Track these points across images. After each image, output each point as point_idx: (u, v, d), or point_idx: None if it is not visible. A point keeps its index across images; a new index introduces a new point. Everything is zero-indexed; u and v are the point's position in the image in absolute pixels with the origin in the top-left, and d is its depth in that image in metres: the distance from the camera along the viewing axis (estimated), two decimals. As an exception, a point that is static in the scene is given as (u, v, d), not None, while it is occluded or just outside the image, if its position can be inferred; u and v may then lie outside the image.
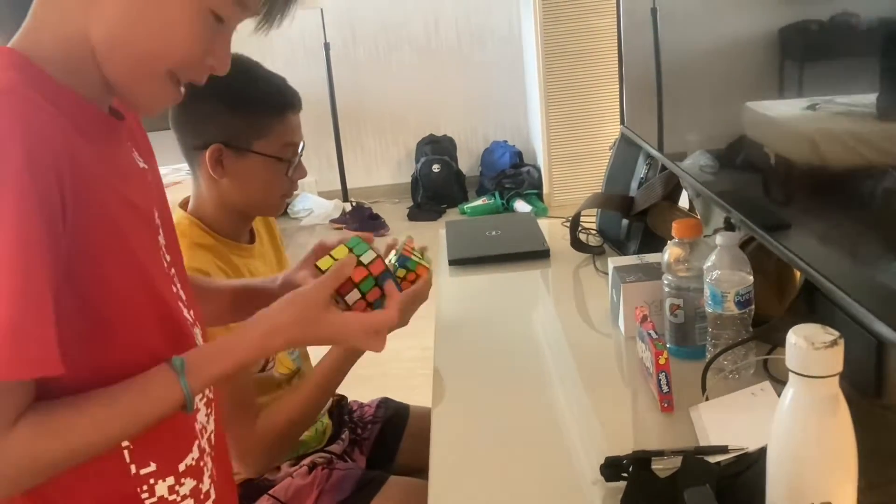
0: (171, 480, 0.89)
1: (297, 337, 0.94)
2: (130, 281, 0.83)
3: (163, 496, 0.88)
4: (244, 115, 1.38)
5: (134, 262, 0.84)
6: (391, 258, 1.28)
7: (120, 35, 0.80)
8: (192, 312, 0.96)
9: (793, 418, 0.71)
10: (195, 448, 0.93)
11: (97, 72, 0.83)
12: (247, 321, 0.94)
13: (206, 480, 0.95)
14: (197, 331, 0.96)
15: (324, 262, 1.04)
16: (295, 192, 1.50)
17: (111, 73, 0.83)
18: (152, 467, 0.87)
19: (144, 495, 0.87)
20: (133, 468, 0.86)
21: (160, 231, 0.93)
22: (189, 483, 0.92)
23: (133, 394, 0.82)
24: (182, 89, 0.88)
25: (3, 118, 0.71)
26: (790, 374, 0.71)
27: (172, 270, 0.94)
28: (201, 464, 0.94)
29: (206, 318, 1.11)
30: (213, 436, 0.99)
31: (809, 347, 0.69)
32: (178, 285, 0.95)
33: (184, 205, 1.46)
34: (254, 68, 1.41)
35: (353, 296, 1.01)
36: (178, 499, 0.90)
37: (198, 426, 0.94)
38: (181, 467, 0.90)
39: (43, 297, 0.72)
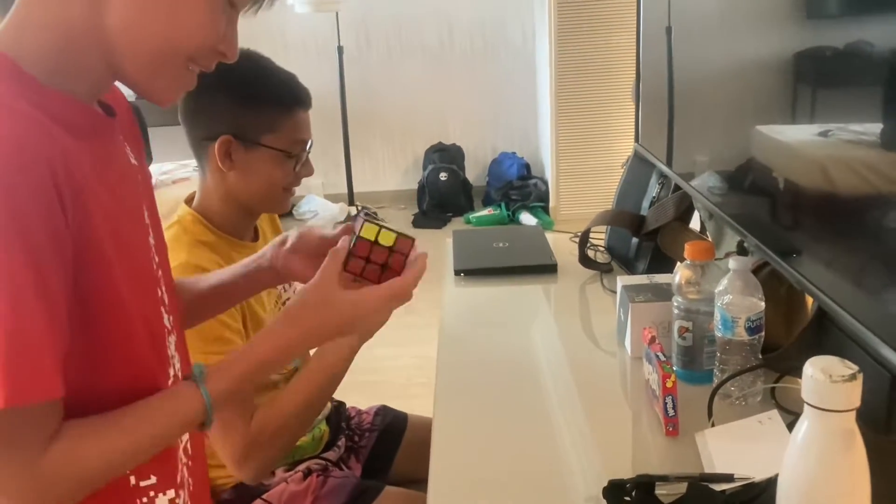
0: (171, 493, 0.88)
1: (315, 322, 0.91)
2: (125, 286, 0.81)
3: None
4: (254, 108, 1.38)
5: (129, 266, 0.82)
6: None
7: (136, 23, 0.79)
8: (171, 318, 0.94)
9: (807, 452, 0.70)
10: (178, 458, 0.91)
11: (95, 65, 0.81)
12: (267, 342, 0.92)
13: (183, 493, 0.94)
14: (171, 339, 0.93)
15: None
16: (300, 192, 1.49)
17: (129, 64, 0.81)
18: (152, 480, 0.86)
19: None
20: (133, 479, 0.85)
21: (150, 231, 0.92)
22: (183, 496, 0.91)
23: (157, 402, 0.82)
24: (195, 77, 0.87)
25: None
26: (805, 407, 0.70)
27: (160, 272, 0.92)
28: (184, 475, 0.93)
29: (197, 315, 1.09)
30: (188, 445, 0.97)
31: (827, 380, 0.68)
32: (163, 288, 0.93)
33: (189, 200, 1.45)
34: (265, 63, 1.42)
35: (359, 264, 0.97)
36: None
37: None
38: (178, 479, 0.89)
39: (48, 313, 0.71)
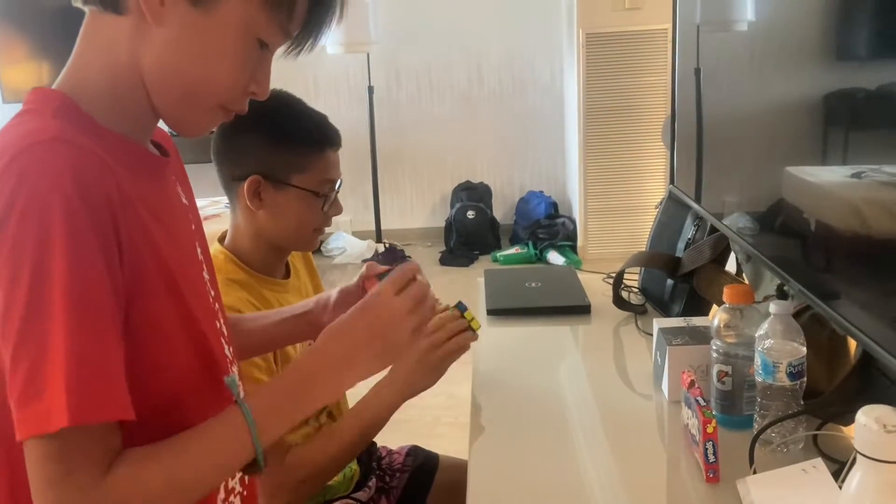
0: None
1: (350, 327, 0.91)
2: (179, 320, 0.82)
3: None
4: (285, 149, 1.39)
5: (182, 301, 0.83)
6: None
7: (168, 64, 0.81)
8: (230, 349, 0.95)
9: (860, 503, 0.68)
10: (221, 488, 0.91)
11: (142, 103, 0.83)
12: (307, 359, 0.91)
13: None
14: (234, 369, 0.95)
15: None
16: (328, 230, 1.49)
17: (160, 101, 0.84)
18: None
19: None
20: None
21: (203, 266, 0.93)
22: None
23: (208, 426, 0.80)
24: (229, 113, 0.88)
25: (55, 163, 0.72)
26: (859, 457, 0.68)
27: (216, 305, 0.93)
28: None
29: (240, 353, 1.10)
30: (245, 476, 0.97)
31: (881, 430, 0.66)
32: (221, 321, 0.94)
33: (221, 238, 1.46)
34: (297, 104, 1.43)
35: None
36: None
37: None
38: None
39: (108, 335, 0.71)
